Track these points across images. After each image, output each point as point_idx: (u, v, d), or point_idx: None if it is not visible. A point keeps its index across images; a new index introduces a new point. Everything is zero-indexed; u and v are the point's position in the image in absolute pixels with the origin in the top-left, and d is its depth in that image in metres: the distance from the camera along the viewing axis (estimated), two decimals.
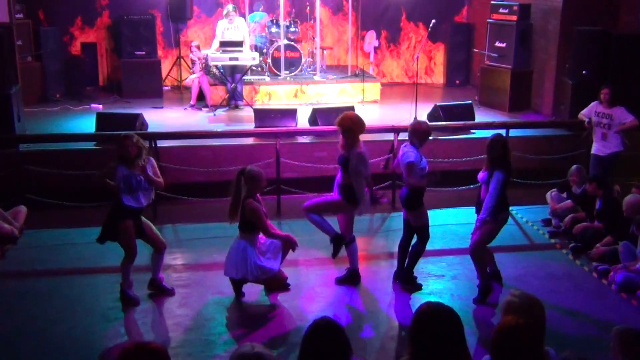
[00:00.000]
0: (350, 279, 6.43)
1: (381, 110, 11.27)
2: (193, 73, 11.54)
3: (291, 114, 9.60)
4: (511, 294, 3.20)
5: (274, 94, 11.67)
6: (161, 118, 10.52)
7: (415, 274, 6.36)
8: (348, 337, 2.78)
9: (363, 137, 9.26)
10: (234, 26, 11.10)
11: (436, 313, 2.73)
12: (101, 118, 9.16)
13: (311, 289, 6.38)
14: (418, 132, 6.14)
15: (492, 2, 11.51)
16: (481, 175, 5.98)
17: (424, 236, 6.27)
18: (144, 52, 12.03)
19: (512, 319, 2.82)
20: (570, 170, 7.98)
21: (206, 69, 11.48)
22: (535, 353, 2.74)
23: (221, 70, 11.22)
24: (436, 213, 7.70)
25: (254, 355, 2.58)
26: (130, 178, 5.76)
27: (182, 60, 12.79)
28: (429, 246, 7.18)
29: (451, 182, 8.83)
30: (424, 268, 6.79)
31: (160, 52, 12.75)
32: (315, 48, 12.40)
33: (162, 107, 11.34)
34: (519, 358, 2.70)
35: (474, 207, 6.15)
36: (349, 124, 6.14)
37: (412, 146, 6.11)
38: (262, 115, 9.56)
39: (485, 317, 5.83)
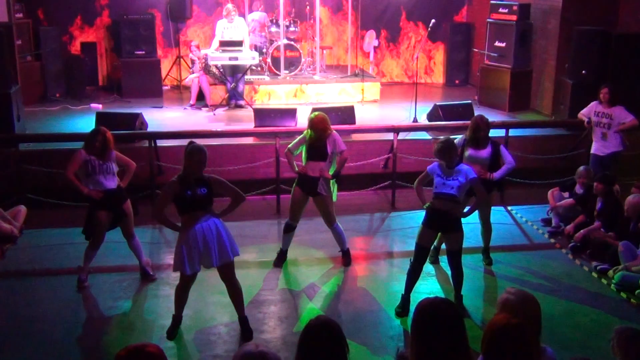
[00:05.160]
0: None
1: (381, 110, 11.27)
2: (193, 73, 11.54)
3: (291, 113, 9.60)
4: (507, 291, 3.21)
5: (273, 94, 11.67)
6: (161, 118, 10.53)
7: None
8: (344, 335, 2.79)
9: (363, 136, 9.37)
10: (233, 26, 11.10)
11: (437, 306, 2.73)
12: (101, 118, 9.15)
13: (311, 289, 6.38)
14: None
15: (491, 1, 11.51)
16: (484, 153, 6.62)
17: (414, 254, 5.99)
18: (143, 52, 12.03)
19: (503, 317, 2.82)
20: (579, 172, 7.91)
21: (206, 69, 11.49)
22: (527, 352, 2.74)
23: (221, 70, 11.22)
24: None
25: (258, 354, 2.58)
26: (88, 163, 6.22)
27: (181, 59, 12.79)
28: None
29: None
30: (424, 268, 6.78)
31: (160, 52, 12.75)
32: (315, 48, 12.40)
33: (161, 107, 11.34)
34: (510, 357, 2.70)
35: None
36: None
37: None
38: (262, 115, 9.56)
39: (486, 316, 5.83)
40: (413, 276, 5.90)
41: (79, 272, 6.37)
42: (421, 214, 8.19)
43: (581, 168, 7.98)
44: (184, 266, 5.26)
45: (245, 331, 5.49)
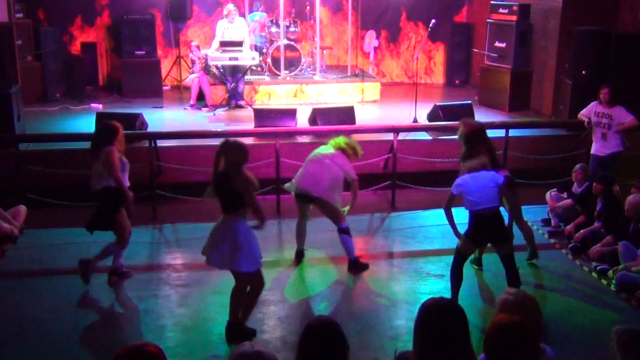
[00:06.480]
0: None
1: (381, 110, 11.27)
2: (193, 73, 11.54)
3: (291, 113, 9.60)
4: (506, 291, 3.21)
5: (273, 94, 11.67)
6: (161, 118, 10.53)
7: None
8: (345, 335, 2.79)
9: (363, 136, 9.36)
10: (234, 26, 11.10)
11: (442, 308, 2.73)
12: (101, 118, 9.14)
13: (311, 289, 6.39)
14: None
15: (491, 2, 11.51)
16: None
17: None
18: (143, 52, 12.03)
19: (505, 317, 2.82)
20: (575, 168, 7.92)
21: (206, 69, 11.49)
22: (530, 351, 2.74)
23: (221, 70, 11.22)
24: (436, 213, 7.69)
25: (253, 353, 2.58)
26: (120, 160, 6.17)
27: (181, 60, 12.80)
28: (428, 246, 7.23)
29: (451, 182, 8.79)
30: (423, 268, 6.80)
31: (160, 52, 12.75)
32: (315, 48, 12.40)
33: (162, 107, 11.34)
34: (513, 355, 2.71)
35: None
36: None
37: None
38: (262, 115, 9.56)
39: (486, 316, 5.83)
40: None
41: (111, 268, 6.37)
42: (421, 215, 8.25)
43: (577, 165, 7.98)
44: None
45: (244, 332, 5.46)
